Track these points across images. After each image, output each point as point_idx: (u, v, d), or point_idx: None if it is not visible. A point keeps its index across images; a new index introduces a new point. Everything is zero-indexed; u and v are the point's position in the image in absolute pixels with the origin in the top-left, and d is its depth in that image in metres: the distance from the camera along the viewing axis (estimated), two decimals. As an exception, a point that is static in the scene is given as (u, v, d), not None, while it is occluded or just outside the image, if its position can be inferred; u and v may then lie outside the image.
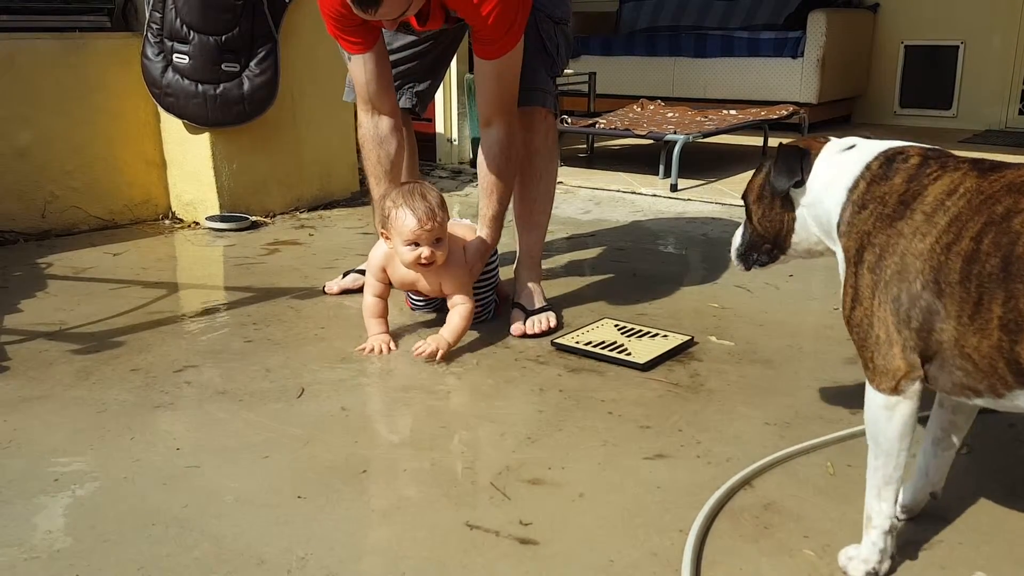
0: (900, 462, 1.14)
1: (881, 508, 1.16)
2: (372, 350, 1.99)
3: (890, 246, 1.11)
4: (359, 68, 2.06)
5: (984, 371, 1.04)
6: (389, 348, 1.99)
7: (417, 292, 2.10)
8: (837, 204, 1.22)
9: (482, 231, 2.11)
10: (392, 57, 2.21)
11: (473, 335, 2.10)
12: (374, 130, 2.17)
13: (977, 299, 1.01)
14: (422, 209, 1.87)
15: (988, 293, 1.00)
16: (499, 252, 2.23)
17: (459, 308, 1.98)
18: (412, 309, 2.26)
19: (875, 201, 1.16)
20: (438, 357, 1.91)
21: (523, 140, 2.19)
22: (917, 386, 1.10)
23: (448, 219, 1.95)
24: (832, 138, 1.32)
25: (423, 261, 1.90)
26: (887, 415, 1.12)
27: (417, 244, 1.89)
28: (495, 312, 2.24)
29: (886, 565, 1.18)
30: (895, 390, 1.11)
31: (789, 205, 1.33)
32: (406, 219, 1.88)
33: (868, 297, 1.13)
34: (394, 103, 2.17)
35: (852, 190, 1.20)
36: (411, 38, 2.26)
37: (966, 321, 1.03)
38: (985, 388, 1.06)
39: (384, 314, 2.05)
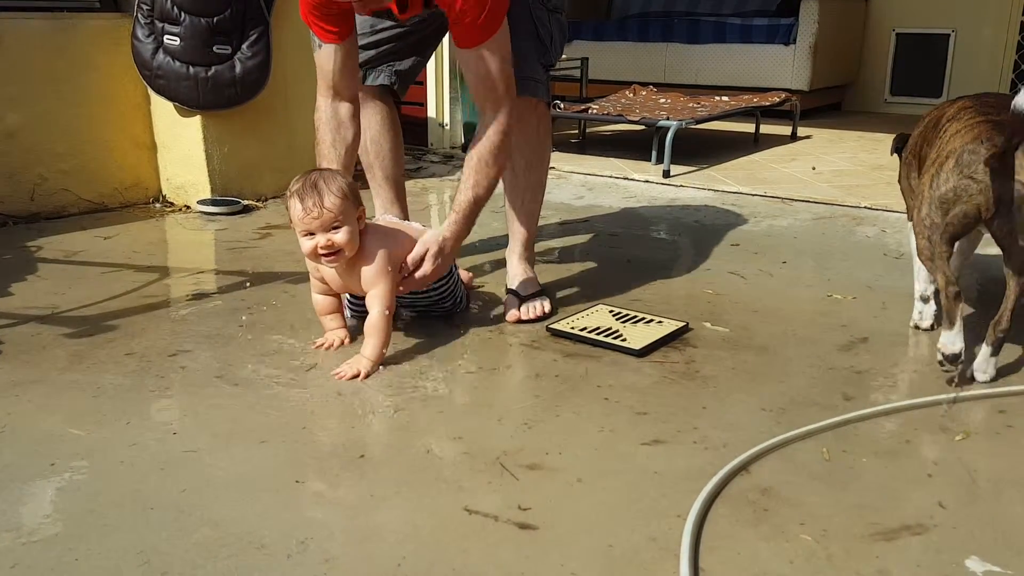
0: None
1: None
2: (329, 346, 1.92)
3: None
4: (328, 57, 2.02)
5: None
6: (343, 343, 1.93)
7: (353, 296, 2.02)
8: None
9: (449, 217, 1.96)
10: (375, 37, 2.20)
11: (467, 321, 2.10)
12: (333, 114, 2.09)
13: None
14: (310, 198, 1.75)
15: None
16: (491, 237, 2.21)
17: (369, 320, 1.83)
18: (351, 316, 2.06)
19: None
20: (360, 378, 1.76)
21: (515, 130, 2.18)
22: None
23: (350, 206, 1.78)
24: None
25: (321, 251, 1.78)
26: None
27: (313, 234, 1.77)
28: (466, 303, 2.16)
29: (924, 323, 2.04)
30: None
31: None
32: (294, 207, 1.77)
33: None
34: (355, 91, 2.12)
35: None
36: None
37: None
38: None
39: (337, 310, 1.97)
